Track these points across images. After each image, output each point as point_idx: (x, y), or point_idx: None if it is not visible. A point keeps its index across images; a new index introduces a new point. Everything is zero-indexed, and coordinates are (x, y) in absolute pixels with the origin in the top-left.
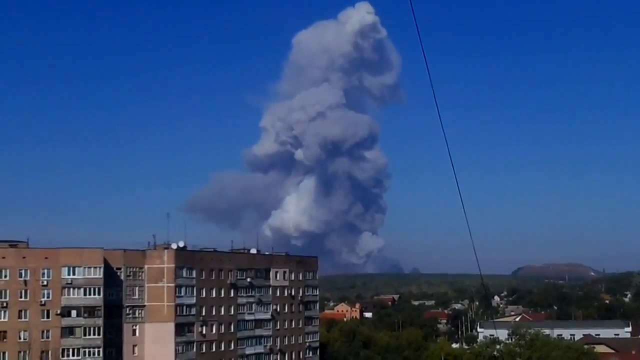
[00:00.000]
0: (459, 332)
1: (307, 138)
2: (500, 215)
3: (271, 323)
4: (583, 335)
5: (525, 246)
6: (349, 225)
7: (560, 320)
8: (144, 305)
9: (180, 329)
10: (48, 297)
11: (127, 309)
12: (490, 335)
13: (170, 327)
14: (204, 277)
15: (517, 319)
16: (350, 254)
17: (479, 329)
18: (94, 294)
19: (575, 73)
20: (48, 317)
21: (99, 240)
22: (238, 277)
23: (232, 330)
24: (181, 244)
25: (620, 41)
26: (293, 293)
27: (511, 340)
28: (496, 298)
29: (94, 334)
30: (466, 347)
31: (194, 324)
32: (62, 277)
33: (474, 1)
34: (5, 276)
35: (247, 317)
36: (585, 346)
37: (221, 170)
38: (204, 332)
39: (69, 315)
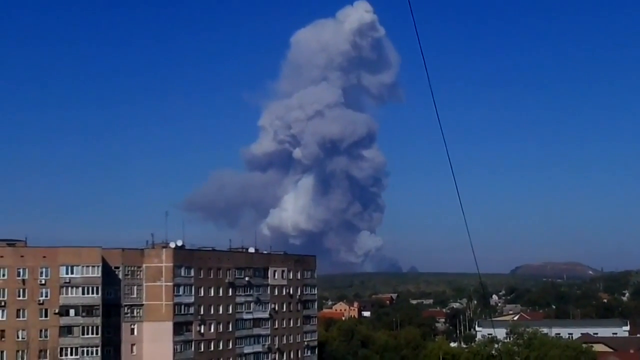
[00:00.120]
0: (457, 331)
1: (306, 137)
2: (498, 214)
3: (269, 322)
4: (581, 334)
5: (524, 245)
6: (347, 224)
7: (559, 319)
8: (142, 304)
9: (179, 328)
10: (46, 296)
11: (126, 308)
12: (489, 334)
13: (169, 326)
14: (202, 276)
15: (515, 318)
16: (349, 252)
17: (477, 328)
18: (92, 293)
19: (573, 72)
20: (46, 316)
21: (97, 239)
22: (236, 276)
23: (231, 329)
24: (179, 243)
25: (620, 39)
26: (291, 292)
27: (509, 339)
28: (494, 297)
29: (92, 333)
30: (464, 346)
31: (192, 323)
32: (60, 276)
33: (473, 0)
34: (3, 275)
35: (245, 316)
36: (584, 345)
37: (219, 168)
38: (202, 331)
39: (67, 314)
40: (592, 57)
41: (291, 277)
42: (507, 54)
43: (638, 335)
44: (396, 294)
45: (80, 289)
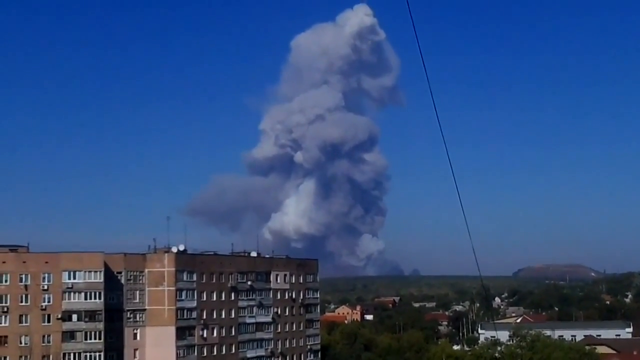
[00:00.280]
0: (460, 334)
1: (307, 141)
2: (500, 216)
3: (272, 326)
4: (584, 336)
5: (526, 247)
6: (349, 228)
7: (561, 321)
8: (145, 309)
9: (181, 332)
10: (49, 301)
11: (128, 313)
12: (491, 336)
13: (171, 330)
14: (204, 281)
15: (518, 320)
16: (351, 256)
17: (479, 331)
18: (95, 298)
19: (575, 74)
20: (49, 321)
21: (99, 244)
22: (239, 280)
23: (233, 333)
24: (181, 248)
25: (622, 42)
26: (294, 296)
27: (512, 341)
28: (497, 299)
29: (95, 338)
30: (467, 348)
31: (195, 327)
32: (63, 281)
33: (473, 3)
34: (6, 281)
35: (248, 320)
36: (587, 347)
37: (221, 173)
38: (204, 335)
39: (70, 319)
40: (594, 59)
41: (293, 280)
42: (507, 57)
43: None
44: (399, 297)
45: (82, 294)
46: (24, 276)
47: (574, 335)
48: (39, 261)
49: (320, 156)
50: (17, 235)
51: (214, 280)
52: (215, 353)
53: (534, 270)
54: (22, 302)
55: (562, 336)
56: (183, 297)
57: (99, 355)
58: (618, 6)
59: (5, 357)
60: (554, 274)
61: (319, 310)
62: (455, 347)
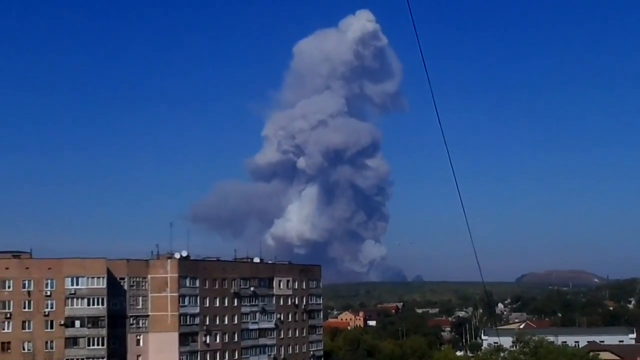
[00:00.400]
0: (463, 340)
1: (309, 146)
2: (503, 222)
3: (275, 332)
4: (587, 342)
5: (529, 253)
6: (352, 234)
7: (565, 327)
8: (148, 315)
9: (184, 338)
10: (52, 307)
11: (131, 319)
12: (495, 342)
13: (174, 336)
14: (207, 287)
15: (521, 326)
16: (353, 262)
17: (483, 337)
18: (98, 304)
19: (580, 78)
20: (52, 327)
21: (102, 250)
22: (241, 286)
23: (236, 339)
24: (184, 254)
25: (625, 45)
26: (297, 302)
27: (515, 347)
28: (500, 305)
29: (98, 344)
30: (470, 354)
31: (198, 333)
32: (66, 287)
33: (475, 8)
34: (9, 287)
35: (250, 326)
36: (590, 353)
37: (223, 179)
38: (207, 341)
39: (73, 325)
40: (599, 62)
41: (296, 286)
42: (509, 62)
43: None
44: (401, 303)
45: (85, 300)
46: (26, 282)
47: (577, 341)
48: (42, 267)
49: (323, 162)
50: (20, 242)
51: (216, 286)
52: (218, 359)
53: (537, 276)
54: (25, 308)
55: (565, 342)
56: (186, 303)
57: None
58: (621, 10)
59: None
60: (557, 279)
61: (321, 316)
62: (458, 353)
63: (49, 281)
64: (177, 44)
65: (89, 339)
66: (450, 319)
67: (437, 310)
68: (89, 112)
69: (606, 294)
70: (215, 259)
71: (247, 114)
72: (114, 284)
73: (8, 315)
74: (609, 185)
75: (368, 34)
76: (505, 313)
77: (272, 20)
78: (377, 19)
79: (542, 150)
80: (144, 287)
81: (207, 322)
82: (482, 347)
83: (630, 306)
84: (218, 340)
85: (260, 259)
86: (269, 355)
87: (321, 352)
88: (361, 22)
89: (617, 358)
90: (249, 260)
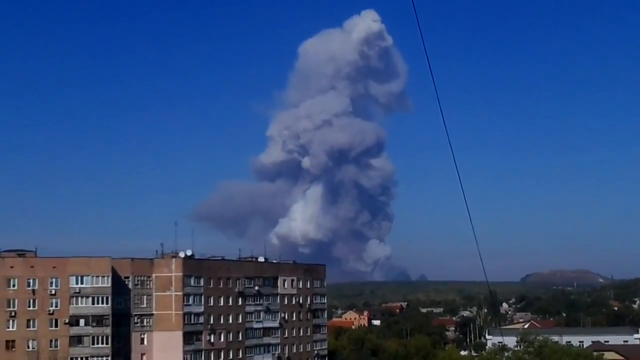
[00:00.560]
0: (467, 340)
1: (314, 146)
2: (508, 222)
3: (279, 331)
4: (592, 342)
5: (534, 253)
6: (356, 233)
7: (569, 327)
8: (152, 314)
9: (189, 337)
10: (56, 306)
11: (135, 318)
12: (499, 342)
13: (179, 335)
14: (211, 286)
15: (526, 326)
16: (358, 261)
17: (487, 336)
18: (102, 303)
19: (585, 78)
20: (56, 326)
21: (106, 249)
22: (246, 286)
23: (240, 338)
24: (189, 253)
25: (631, 47)
26: (301, 301)
27: (520, 347)
28: (504, 305)
29: (102, 343)
30: (474, 354)
31: (202, 332)
32: (70, 286)
33: (480, 8)
34: (14, 285)
35: (255, 326)
36: (595, 353)
37: (228, 178)
38: (212, 340)
39: (77, 324)
40: (605, 63)
41: (301, 286)
42: (515, 62)
43: None
44: (406, 303)
45: (90, 298)
46: (31, 281)
47: (582, 341)
48: (47, 266)
49: (328, 162)
50: (25, 240)
51: (221, 285)
52: (222, 358)
53: (542, 276)
54: (29, 306)
55: (569, 342)
56: (190, 302)
57: None
58: (623, 10)
59: None
60: (562, 279)
61: (326, 316)
62: (463, 353)
63: (54, 280)
64: (183, 44)
65: (93, 337)
66: (454, 318)
67: (441, 309)
68: (94, 111)
69: (611, 294)
70: (219, 258)
71: (252, 113)
72: (118, 283)
73: (13, 314)
74: (614, 185)
75: (373, 34)
76: (509, 313)
77: (277, 21)
78: (382, 19)
79: (547, 150)
80: (148, 286)
81: (212, 321)
82: (487, 347)
83: (635, 306)
84: (222, 339)
85: (265, 258)
86: (273, 354)
87: (325, 352)
88: (366, 22)
89: (622, 358)
90: (254, 259)
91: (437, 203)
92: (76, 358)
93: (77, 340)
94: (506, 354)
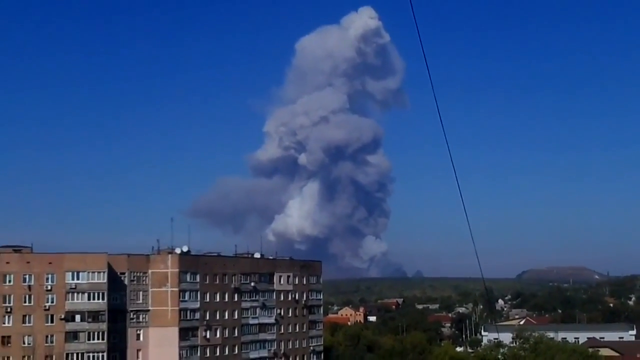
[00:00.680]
0: (463, 336)
1: (311, 143)
2: (504, 218)
3: (275, 327)
4: (587, 338)
5: (529, 250)
6: (353, 230)
7: (565, 323)
8: (148, 310)
9: (184, 333)
10: (52, 302)
11: (131, 314)
12: (495, 338)
13: (174, 331)
14: (207, 282)
15: (521, 323)
16: (354, 258)
17: (483, 333)
18: (98, 299)
19: (579, 76)
20: (52, 321)
21: (102, 245)
22: (242, 282)
23: (236, 334)
24: (185, 249)
25: (628, 45)
26: (297, 297)
27: (515, 343)
28: (500, 302)
29: (98, 339)
30: (470, 350)
31: (198, 328)
32: (66, 282)
33: (478, 5)
34: (10, 281)
35: (251, 322)
36: (590, 349)
37: (225, 175)
38: (208, 336)
39: (73, 320)
40: (601, 62)
41: (297, 282)
42: (511, 60)
43: None
44: (402, 299)
45: (86, 294)
46: (27, 276)
47: (577, 338)
48: (43, 262)
49: (324, 158)
50: (21, 236)
51: (217, 282)
52: (218, 354)
53: (538, 272)
54: (25, 302)
55: (565, 338)
56: (186, 298)
57: (102, 356)
58: (623, 10)
59: (8, 357)
60: (558, 276)
61: (322, 312)
62: (458, 349)
63: (50, 276)
64: (179, 41)
65: (89, 333)
66: (450, 314)
67: (437, 306)
68: (91, 108)
69: (606, 291)
70: (215, 254)
71: (249, 110)
72: (114, 279)
73: (8, 310)
74: (610, 182)
75: (370, 31)
76: (505, 309)
77: (275, 17)
78: (380, 16)
79: (542, 147)
80: (144, 282)
81: (208, 317)
82: (482, 343)
83: (631, 303)
84: (218, 335)
85: (261, 255)
86: (269, 350)
87: (321, 348)
88: (363, 19)
89: (617, 354)
90: (250, 255)
91: (433, 200)
92: (72, 354)
93: (73, 336)
94: (502, 350)
